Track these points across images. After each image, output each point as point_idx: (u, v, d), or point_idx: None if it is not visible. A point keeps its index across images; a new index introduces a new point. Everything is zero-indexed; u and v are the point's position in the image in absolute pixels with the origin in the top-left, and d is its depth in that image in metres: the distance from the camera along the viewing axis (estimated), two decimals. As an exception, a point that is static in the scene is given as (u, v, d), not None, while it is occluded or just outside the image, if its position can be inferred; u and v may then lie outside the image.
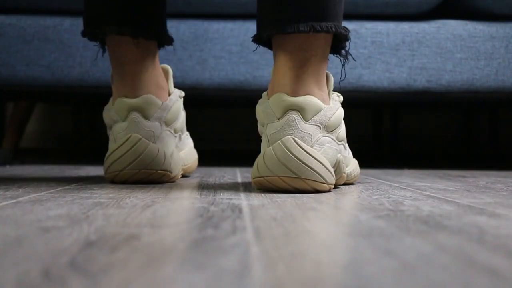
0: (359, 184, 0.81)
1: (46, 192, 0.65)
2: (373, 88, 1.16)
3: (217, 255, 0.33)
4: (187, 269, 0.30)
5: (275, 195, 0.64)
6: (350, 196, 0.65)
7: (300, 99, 0.68)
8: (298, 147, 0.66)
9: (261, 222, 0.45)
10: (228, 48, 1.15)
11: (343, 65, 0.76)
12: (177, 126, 0.84)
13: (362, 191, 0.70)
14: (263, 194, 0.65)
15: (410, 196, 0.64)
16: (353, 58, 0.78)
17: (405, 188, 0.74)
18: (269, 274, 0.29)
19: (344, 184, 0.78)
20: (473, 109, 2.13)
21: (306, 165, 0.66)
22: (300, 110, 0.67)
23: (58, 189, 0.69)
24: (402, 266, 0.31)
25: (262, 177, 0.67)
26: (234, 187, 0.75)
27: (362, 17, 1.17)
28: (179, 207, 0.53)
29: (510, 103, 1.63)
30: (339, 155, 0.70)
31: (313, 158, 0.66)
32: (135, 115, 0.77)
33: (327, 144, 0.69)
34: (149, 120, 0.78)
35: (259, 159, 0.68)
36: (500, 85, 1.16)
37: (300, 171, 0.65)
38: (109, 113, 0.81)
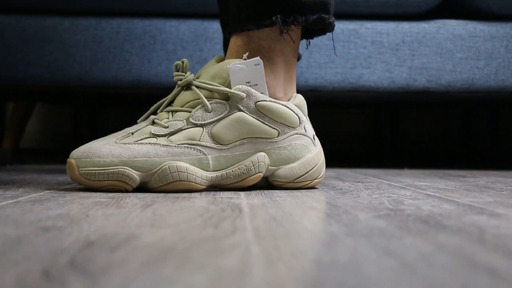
0: (359, 183, 0.81)
1: (46, 192, 0.65)
2: (373, 88, 1.16)
3: (217, 255, 0.33)
4: (187, 269, 0.30)
5: (275, 194, 0.64)
6: (350, 195, 0.65)
7: None
8: None
9: (261, 222, 0.45)
10: (228, 48, 1.15)
11: None
12: None
13: (362, 190, 0.70)
14: (263, 193, 0.65)
15: (410, 196, 0.64)
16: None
17: (405, 188, 0.74)
18: (269, 274, 0.29)
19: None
20: (473, 109, 2.13)
21: None
22: None
23: (58, 189, 0.69)
24: (402, 266, 0.31)
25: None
26: (234, 187, 0.75)
27: (362, 16, 1.17)
28: (179, 206, 0.53)
29: (510, 103, 1.63)
30: None
31: None
32: None
33: None
34: None
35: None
36: (500, 85, 1.16)
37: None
38: None
